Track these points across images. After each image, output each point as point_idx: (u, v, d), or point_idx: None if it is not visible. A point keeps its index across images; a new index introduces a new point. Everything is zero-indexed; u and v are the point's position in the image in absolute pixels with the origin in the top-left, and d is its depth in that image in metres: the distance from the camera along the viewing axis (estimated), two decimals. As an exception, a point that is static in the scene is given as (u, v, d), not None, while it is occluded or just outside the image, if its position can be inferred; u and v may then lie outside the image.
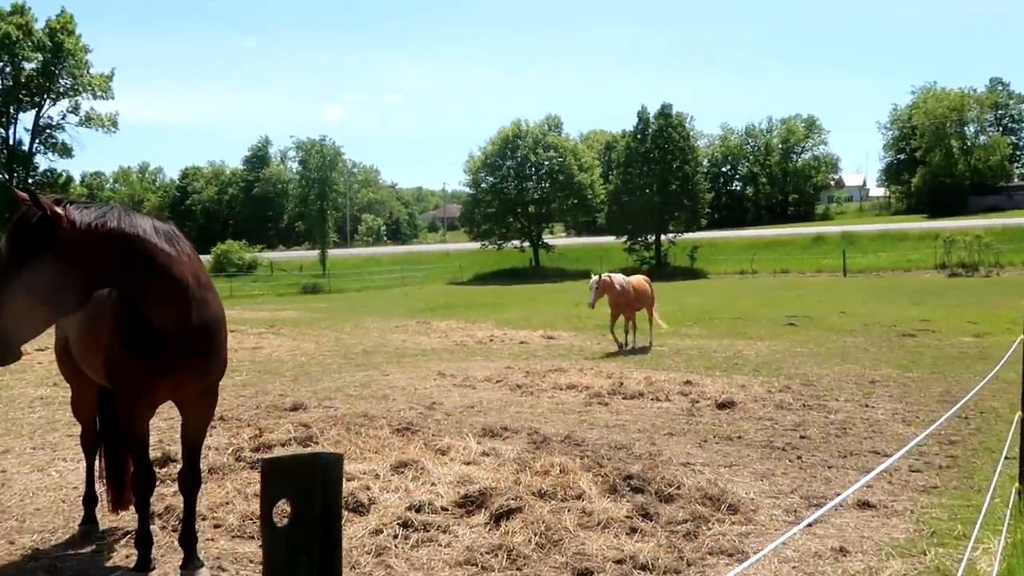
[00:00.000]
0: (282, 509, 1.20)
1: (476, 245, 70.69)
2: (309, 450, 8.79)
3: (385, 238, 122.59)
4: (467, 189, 73.05)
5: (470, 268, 66.11)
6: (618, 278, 17.71)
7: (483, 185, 68.78)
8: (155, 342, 5.22)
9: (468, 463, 8.13)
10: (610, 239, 69.36)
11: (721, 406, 11.23)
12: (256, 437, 9.07)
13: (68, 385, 7.00)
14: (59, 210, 4.71)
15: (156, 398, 5.52)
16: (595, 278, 17.35)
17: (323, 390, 13.23)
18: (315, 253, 73.18)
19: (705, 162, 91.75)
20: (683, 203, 62.50)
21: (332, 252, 73.64)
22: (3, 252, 4.59)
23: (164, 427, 10.20)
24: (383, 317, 28.49)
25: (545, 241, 69.07)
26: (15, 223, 4.65)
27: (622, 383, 12.96)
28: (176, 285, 5.10)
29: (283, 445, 8.80)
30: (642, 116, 64.45)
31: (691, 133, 67.16)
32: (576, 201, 67.93)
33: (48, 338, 16.32)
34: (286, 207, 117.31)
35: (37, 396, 12.98)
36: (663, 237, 63.75)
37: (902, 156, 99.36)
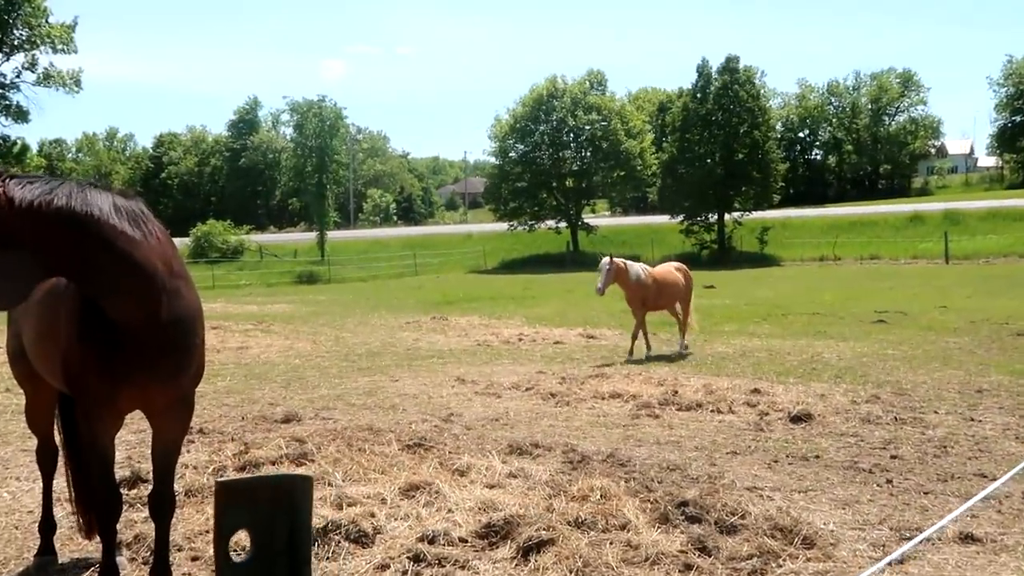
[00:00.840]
0: (239, 542, 1.19)
1: (503, 226, 70.83)
2: (303, 469, 8.86)
3: (395, 218, 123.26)
4: (493, 159, 73.18)
5: (495, 253, 66.30)
6: (636, 267, 17.50)
7: (512, 155, 68.88)
8: (117, 340, 5.29)
9: (491, 486, 8.15)
10: (663, 219, 69.22)
11: (795, 419, 11.17)
12: (241, 454, 9.15)
13: (22, 391, 7.11)
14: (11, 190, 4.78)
15: (121, 406, 5.60)
16: (606, 259, 17.25)
17: (321, 398, 13.33)
18: (312, 236, 73.78)
19: (778, 126, 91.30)
20: (751, 175, 62.18)
21: (332, 235, 74.09)
22: None
23: (133, 441, 10.32)
24: (392, 312, 28.64)
25: (585, 221, 69.05)
26: None
27: (676, 391, 12.93)
28: (140, 273, 5.14)
29: (273, 463, 8.87)
30: (703, 71, 64.14)
31: (762, 91, 66.80)
32: (623, 173, 67.79)
33: None
34: (278, 181, 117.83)
35: (-13, 404, 13.19)
36: (727, 216, 63.48)
37: (1018, 118, 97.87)
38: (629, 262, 17.60)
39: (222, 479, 1.27)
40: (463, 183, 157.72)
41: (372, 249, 70.63)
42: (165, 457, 5.88)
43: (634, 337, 17.45)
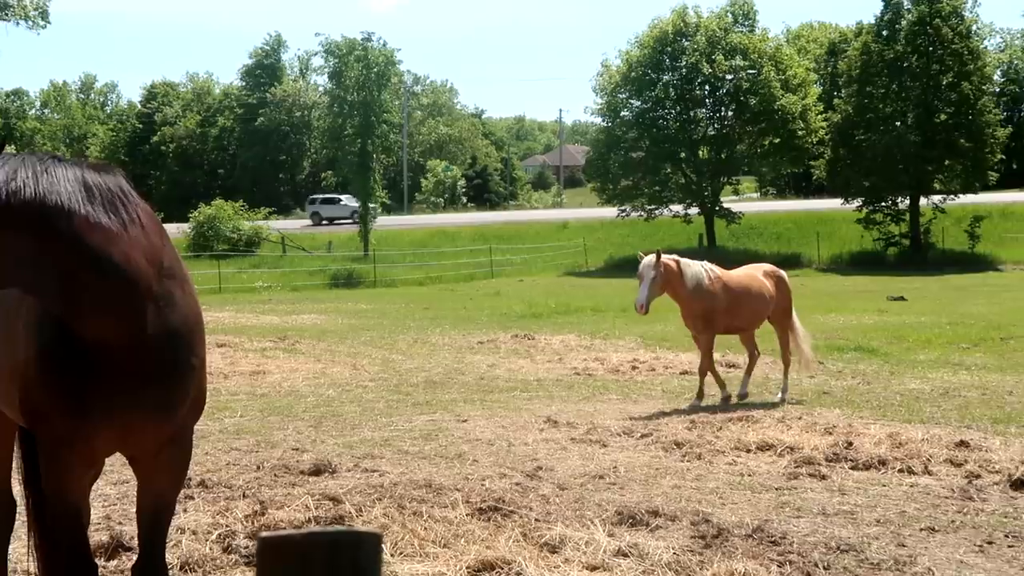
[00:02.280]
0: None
1: (610, 212, 70.90)
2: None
3: (464, 199, 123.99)
4: (598, 120, 73.24)
5: (600, 249, 66.30)
6: (696, 268, 16.62)
7: (625, 114, 68.92)
8: (90, 361, 5.40)
9: (593, 568, 8.12)
10: (833, 203, 68.48)
11: (1018, 484, 10.93)
12: (256, 515, 9.26)
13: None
14: None
15: (96, 448, 5.71)
16: (649, 258, 16.30)
17: (362, 443, 13.43)
18: (353, 222, 74.43)
19: (997, 76, 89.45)
20: (958, 144, 61.15)
21: (381, 221, 74.81)
22: None
23: (114, 495, 10.48)
24: (459, 327, 28.79)
25: (725, 206, 68.66)
26: None
27: (850, 443, 12.74)
28: (119, 277, 5.22)
29: (299, 529, 8.95)
30: (890, 0, 63.32)
31: (974, 27, 65.59)
32: (777, 140, 67.26)
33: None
34: (308, 148, 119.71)
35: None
36: (923, 201, 62.49)
37: None
38: (686, 261, 16.72)
39: (266, 534, 1.31)
40: (556, 153, 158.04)
41: (432, 241, 71.13)
42: (154, 517, 5.98)
43: (703, 372, 16.61)
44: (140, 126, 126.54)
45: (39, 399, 5.57)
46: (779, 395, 16.68)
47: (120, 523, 9.37)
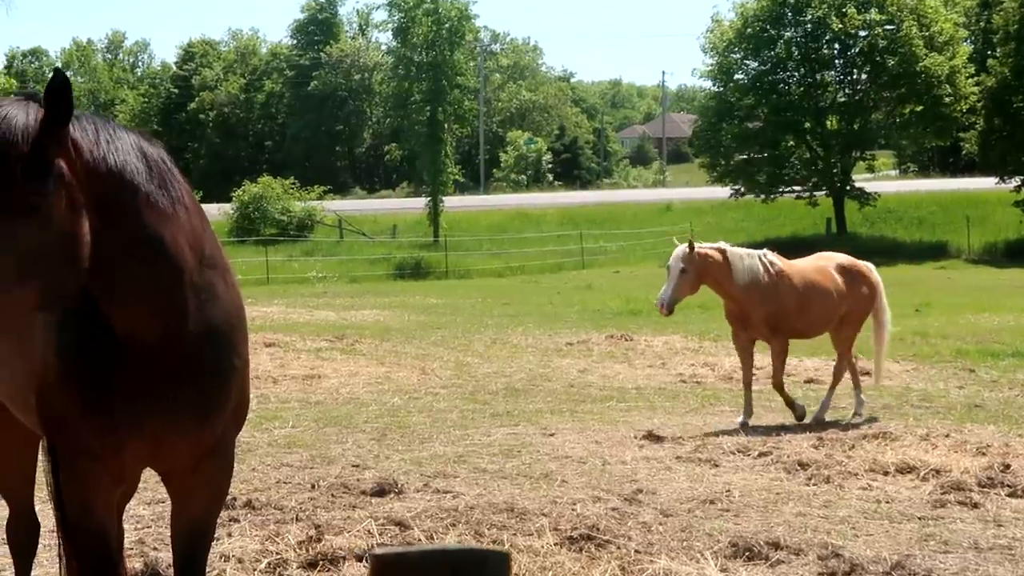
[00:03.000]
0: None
1: (722, 192, 70.49)
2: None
3: (550, 177, 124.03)
4: (707, 85, 72.92)
5: (710, 235, 65.33)
6: (751, 257, 16.20)
7: (739, 77, 68.45)
8: (117, 363, 5.44)
9: (704, 607, 8.09)
10: (987, 183, 67.69)
11: None
12: (311, 541, 9.34)
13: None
14: (74, 129, 4.98)
15: (124, 464, 5.76)
16: (679, 250, 15.92)
17: (433, 459, 13.50)
18: (421, 203, 74.41)
19: None
20: None
21: (452, 202, 74.78)
22: None
23: (147, 516, 10.62)
24: (545, 326, 28.78)
25: (857, 186, 68.00)
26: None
27: (1007, 465, 12.60)
28: (164, 263, 5.28)
29: (360, 559, 9.01)
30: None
31: None
32: (920, 109, 66.49)
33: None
34: (369, 117, 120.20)
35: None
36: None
37: None
38: (737, 250, 16.30)
39: (378, 552, 1.34)
40: (658, 122, 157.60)
41: (513, 225, 71.10)
42: (192, 542, 6.03)
43: (747, 384, 16.29)
44: (175, 91, 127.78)
45: (59, 405, 5.62)
46: (855, 412, 16.42)
47: (155, 548, 9.48)
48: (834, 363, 17.33)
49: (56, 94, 4.81)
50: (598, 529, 9.93)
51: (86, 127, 5.06)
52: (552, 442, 14.53)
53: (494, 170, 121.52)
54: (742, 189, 67.57)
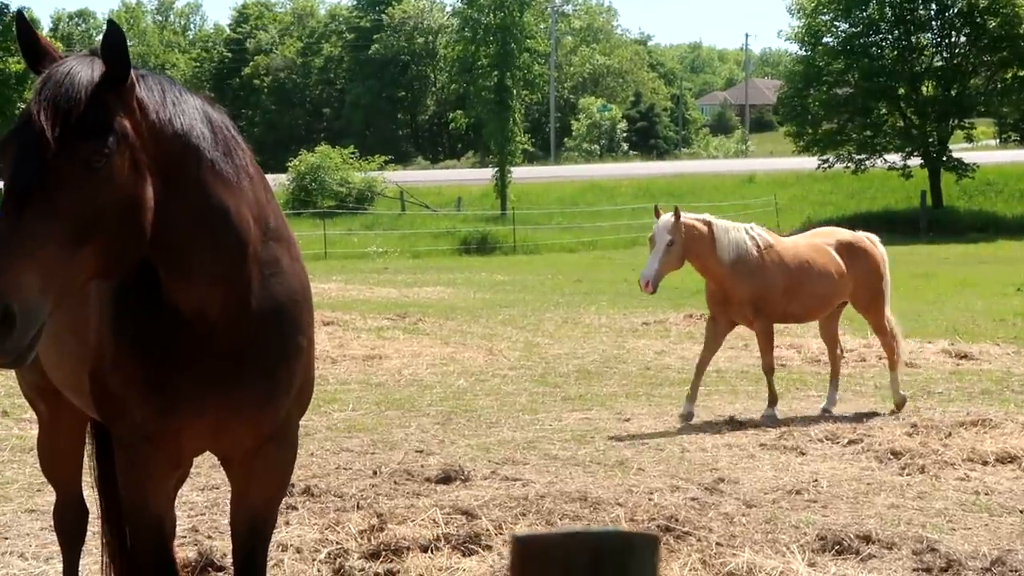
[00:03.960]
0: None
1: (809, 163, 70.03)
2: (473, 560, 9.01)
3: (625, 147, 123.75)
4: (794, 48, 72.42)
5: (796, 209, 65.59)
6: (737, 231, 15.57)
7: (828, 40, 67.90)
8: (176, 341, 5.50)
9: (790, 604, 8.06)
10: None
11: None
12: (374, 531, 9.40)
13: (33, 415, 7.49)
14: (133, 74, 5.02)
15: (182, 448, 5.84)
16: (664, 220, 15.12)
17: (501, 445, 13.56)
18: (488, 174, 74.41)
19: None
20: None
21: (521, 173, 74.72)
22: (34, 142, 4.79)
23: (202, 503, 10.76)
24: (619, 304, 28.74)
25: (955, 156, 67.27)
26: (72, 90, 4.86)
27: (1119, 455, 12.48)
28: (229, 235, 5.35)
29: (425, 549, 9.06)
30: None
31: None
32: (1023, 74, 65.66)
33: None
34: (432, 83, 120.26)
35: (-25, 434, 14.00)
36: None
37: None
38: (723, 223, 15.64)
39: (520, 534, 1.35)
40: (741, 88, 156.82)
41: (586, 198, 71.05)
42: (251, 531, 6.10)
43: (700, 368, 15.70)
44: (229, 55, 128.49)
45: (114, 385, 5.67)
46: (825, 406, 15.77)
47: (210, 537, 9.56)
48: (882, 344, 16.78)
49: (113, 49, 4.86)
50: (677, 520, 9.94)
51: (152, 87, 5.12)
52: (627, 427, 14.57)
53: (565, 139, 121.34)
54: (830, 160, 66.98)
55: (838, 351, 16.45)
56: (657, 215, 15.36)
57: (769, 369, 15.75)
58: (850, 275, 15.95)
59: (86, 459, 7.60)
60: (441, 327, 24.26)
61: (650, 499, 10.86)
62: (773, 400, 15.43)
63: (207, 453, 6.33)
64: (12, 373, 15.18)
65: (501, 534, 9.34)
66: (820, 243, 16.30)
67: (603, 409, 15.76)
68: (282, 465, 6.07)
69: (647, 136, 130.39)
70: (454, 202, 68.77)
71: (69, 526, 7.51)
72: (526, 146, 73.94)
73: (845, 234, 16.72)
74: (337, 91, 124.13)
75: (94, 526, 7.92)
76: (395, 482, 11.54)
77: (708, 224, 15.34)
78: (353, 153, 70.26)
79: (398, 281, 37.44)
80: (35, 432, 8.10)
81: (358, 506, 10.44)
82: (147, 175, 4.93)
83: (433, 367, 19.23)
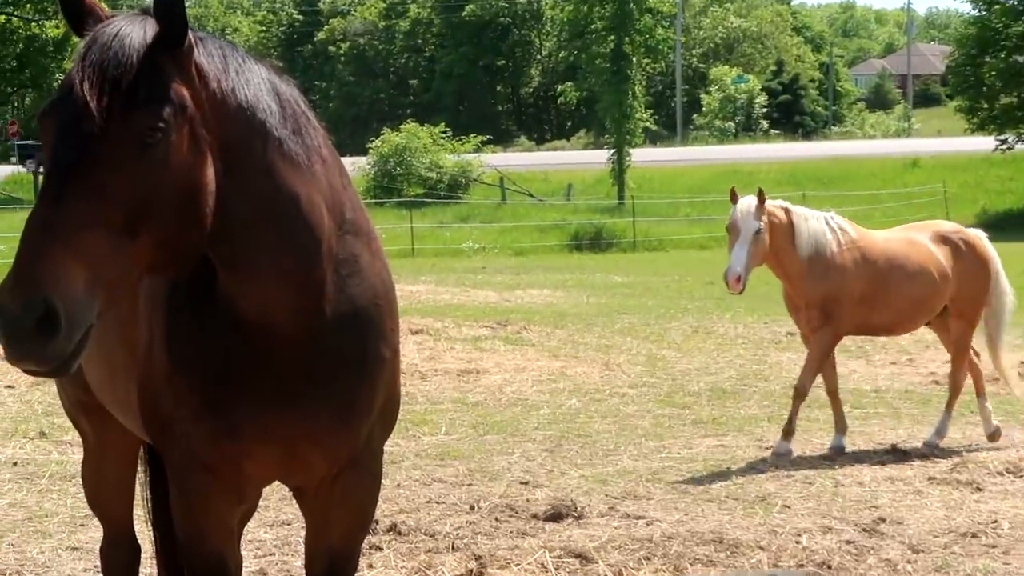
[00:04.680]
0: None
1: (984, 143, 69.35)
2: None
3: (765, 124, 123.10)
4: (965, 8, 71.87)
5: (968, 198, 65.03)
6: (816, 220, 15.09)
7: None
8: (240, 352, 5.49)
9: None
10: None
11: None
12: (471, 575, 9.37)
13: (76, 437, 7.53)
14: (191, 36, 4.94)
15: (247, 477, 5.85)
16: (746, 203, 14.76)
17: (620, 476, 13.51)
18: (603, 157, 74.27)
19: None
20: None
21: (642, 155, 74.56)
22: (79, 113, 4.73)
23: (271, 542, 10.78)
24: (759, 310, 28.55)
25: None
26: (123, 54, 4.80)
27: None
28: (299, 227, 5.31)
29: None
30: None
31: None
32: None
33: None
34: (537, 50, 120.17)
35: (5, 459, 14.14)
36: None
37: None
38: (800, 210, 15.34)
39: None
40: (902, 56, 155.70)
41: (718, 185, 70.25)
42: (331, 574, 6.10)
43: (832, 396, 15.43)
44: (299, 18, 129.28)
45: (167, 403, 5.67)
46: (930, 439, 15.18)
47: (280, 582, 9.60)
48: (956, 364, 15.94)
49: (168, 7, 4.78)
50: (830, 567, 9.91)
51: (212, 52, 5.06)
52: (769, 457, 14.47)
53: (694, 116, 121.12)
54: (1010, 140, 66.44)
55: (962, 368, 15.79)
56: (734, 199, 15.03)
57: (804, 392, 15.17)
58: (953, 276, 15.48)
59: (138, 489, 7.64)
60: (549, 337, 24.28)
61: (797, 542, 10.80)
62: (789, 431, 14.86)
63: (276, 483, 6.32)
64: (53, 388, 15.42)
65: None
66: (915, 237, 15.82)
67: (740, 435, 15.69)
68: (364, 497, 6.05)
69: (791, 112, 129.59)
70: (563, 190, 68.72)
71: (118, 566, 7.54)
72: (648, 124, 73.81)
73: (946, 226, 16.49)
74: (426, 59, 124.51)
75: (147, 567, 7.98)
76: (496, 519, 11.51)
77: (787, 212, 15.04)
78: (445, 132, 70.32)
79: (498, 283, 37.51)
80: (78, 457, 8.16)
81: (453, 547, 10.44)
82: (208, 155, 4.88)
83: (540, 384, 19.24)
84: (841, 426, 15.09)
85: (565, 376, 19.89)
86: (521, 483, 13.08)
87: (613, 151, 66.64)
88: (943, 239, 15.70)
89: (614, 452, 14.66)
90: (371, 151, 67.41)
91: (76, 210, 4.50)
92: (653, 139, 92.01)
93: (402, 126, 70.11)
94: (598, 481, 13.22)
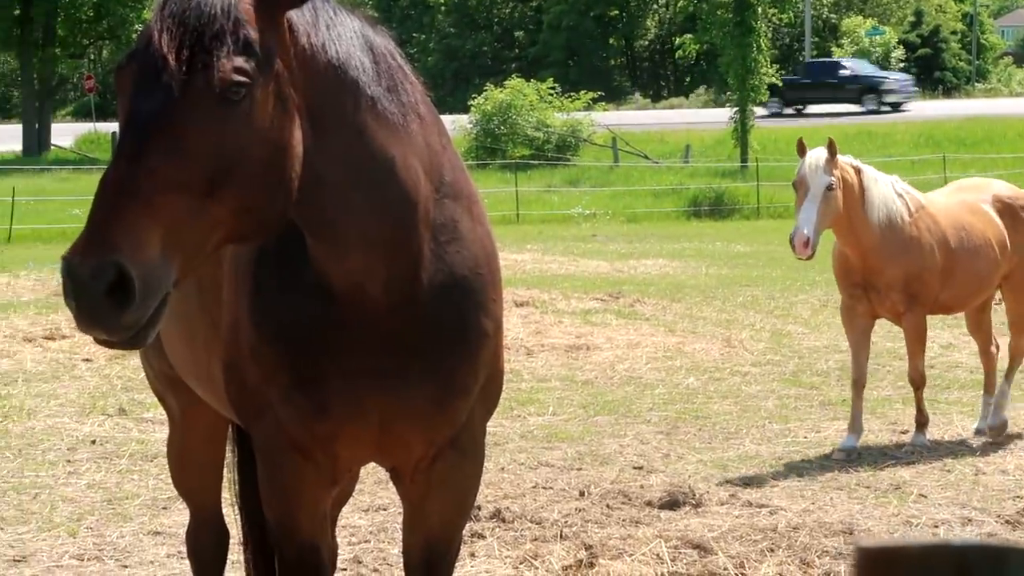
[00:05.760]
0: None
1: None
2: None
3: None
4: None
5: None
6: (884, 183, 14.42)
7: None
8: (331, 324, 5.55)
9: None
10: None
11: None
12: (580, 566, 9.50)
13: (160, 413, 7.62)
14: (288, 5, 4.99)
15: (340, 457, 5.91)
16: (815, 155, 14.06)
17: (741, 461, 13.56)
18: (724, 116, 73.96)
19: None
20: None
21: (765, 116, 74.07)
22: (156, 67, 4.76)
23: (366, 528, 10.89)
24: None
25: None
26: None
27: None
28: (394, 192, 5.34)
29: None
30: None
31: None
32: None
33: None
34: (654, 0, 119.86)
35: (83, 437, 14.35)
36: None
37: None
38: (871, 171, 14.62)
39: (867, 544, 1.38)
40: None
41: (851, 146, 68.20)
42: (428, 564, 6.16)
43: (858, 385, 14.68)
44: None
45: (253, 379, 5.74)
46: (983, 424, 14.87)
47: (376, 570, 9.68)
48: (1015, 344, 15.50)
49: None
50: (970, 561, 9.83)
51: (302, 4, 5.02)
52: (903, 441, 14.43)
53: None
54: None
55: (993, 348, 15.50)
56: (802, 151, 14.33)
57: (920, 379, 14.75)
58: (1012, 246, 14.89)
59: (226, 470, 7.71)
60: (665, 310, 24.26)
61: (935, 534, 10.74)
62: (923, 422, 14.57)
63: (372, 465, 6.35)
64: (133, 361, 15.57)
65: (743, 573, 9.32)
66: (975, 203, 15.11)
67: (873, 418, 15.55)
68: (465, 480, 6.08)
69: (930, 68, 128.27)
70: (680, 152, 68.40)
71: (205, 552, 7.65)
72: (774, 80, 73.35)
73: (1002, 188, 15.80)
74: (532, 9, 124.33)
75: (235, 552, 8.06)
76: (607, 506, 11.56)
77: (858, 171, 14.31)
78: (553, 89, 70.12)
79: (610, 251, 37.47)
80: (161, 435, 8.26)
81: (561, 535, 10.48)
82: (295, 114, 4.90)
83: (655, 361, 19.24)
84: (856, 426, 14.33)
85: (682, 353, 19.88)
86: (634, 468, 13.12)
87: (736, 110, 66.29)
88: (1004, 206, 15.11)
89: (735, 435, 14.68)
90: (473, 109, 67.38)
91: (153, 168, 4.52)
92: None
93: (506, 82, 69.97)
94: (718, 466, 13.26)
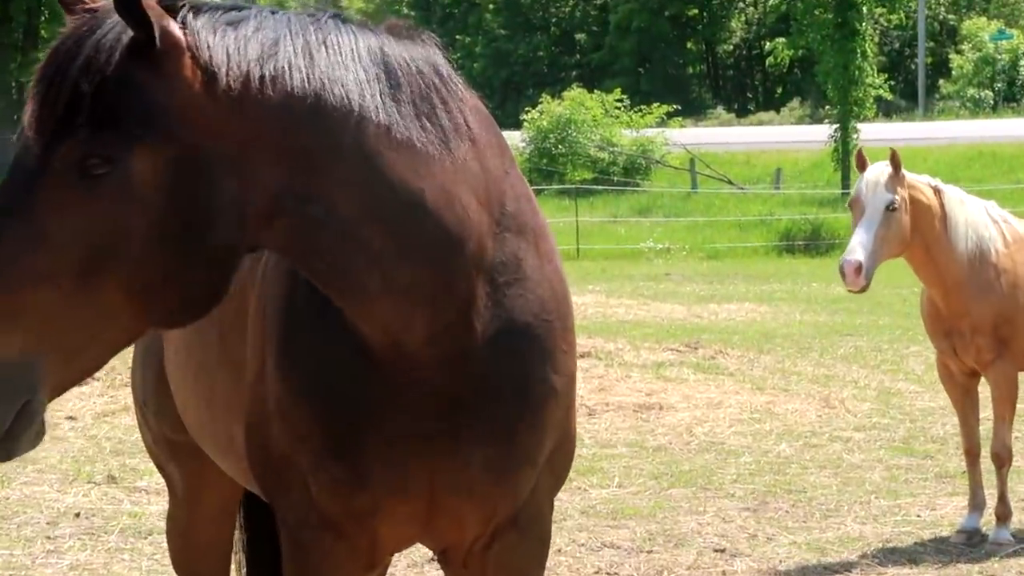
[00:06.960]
0: None
1: None
2: None
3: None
4: None
5: None
6: (974, 206, 14.11)
7: None
8: (370, 383, 5.49)
9: None
10: None
11: None
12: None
13: (158, 482, 7.66)
14: (176, 31, 4.86)
15: (380, 539, 5.86)
16: (875, 171, 13.77)
17: (842, 544, 13.50)
18: (823, 133, 74.03)
19: None
20: None
21: (873, 130, 73.97)
22: (24, 144, 4.78)
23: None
24: None
25: None
26: (67, 65, 4.77)
27: None
28: (423, 229, 5.23)
29: None
30: None
31: None
32: None
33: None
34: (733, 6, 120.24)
35: (66, 509, 14.30)
36: None
37: None
38: (955, 192, 14.33)
39: None
40: None
41: (972, 170, 70.00)
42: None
43: (971, 454, 14.32)
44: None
45: (281, 443, 5.69)
46: None
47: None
48: None
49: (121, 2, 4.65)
50: None
51: (226, 38, 4.93)
52: (987, 546, 14.21)
53: (941, 82, 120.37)
54: None
55: None
56: (862, 164, 14.06)
57: (1007, 454, 14.29)
58: None
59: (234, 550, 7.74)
60: (751, 364, 24.36)
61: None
62: (1005, 515, 13.96)
63: (419, 544, 6.32)
64: (123, 421, 15.61)
65: None
66: None
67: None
68: (527, 565, 6.02)
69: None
70: (771, 175, 68.55)
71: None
72: (882, 92, 73.38)
73: None
74: (597, 8, 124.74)
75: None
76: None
77: (937, 191, 14.01)
78: (620, 101, 70.33)
79: (686, 293, 37.66)
80: (157, 508, 8.29)
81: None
82: (226, 164, 4.81)
83: (740, 424, 19.28)
84: (977, 502, 14.04)
85: (772, 415, 19.90)
86: (716, 551, 13.09)
87: (836, 126, 66.49)
88: None
89: (835, 513, 14.64)
90: (526, 124, 67.67)
91: (9, 258, 4.49)
92: (888, 111, 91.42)
93: (566, 93, 70.33)
94: (814, 550, 13.23)
